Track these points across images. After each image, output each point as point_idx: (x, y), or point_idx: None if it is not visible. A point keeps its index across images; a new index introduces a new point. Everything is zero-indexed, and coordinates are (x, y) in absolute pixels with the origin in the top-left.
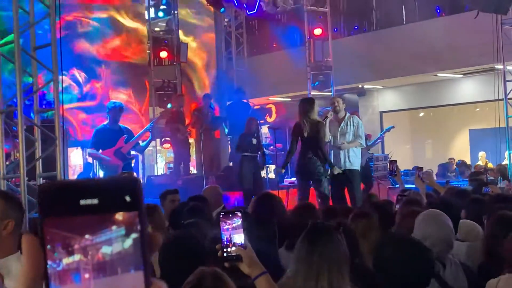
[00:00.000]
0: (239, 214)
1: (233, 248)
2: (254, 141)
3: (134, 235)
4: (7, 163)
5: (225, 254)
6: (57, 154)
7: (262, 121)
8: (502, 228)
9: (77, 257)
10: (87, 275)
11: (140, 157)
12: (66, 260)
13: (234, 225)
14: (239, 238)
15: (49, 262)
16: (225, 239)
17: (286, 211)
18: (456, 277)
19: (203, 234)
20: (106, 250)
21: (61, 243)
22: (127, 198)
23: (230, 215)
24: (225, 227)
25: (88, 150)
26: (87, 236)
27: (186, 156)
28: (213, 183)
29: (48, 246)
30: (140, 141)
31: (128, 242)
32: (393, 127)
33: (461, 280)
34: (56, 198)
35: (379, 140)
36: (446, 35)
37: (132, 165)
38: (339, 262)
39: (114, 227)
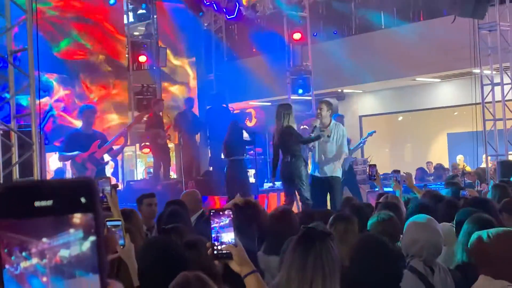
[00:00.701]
0: (230, 212)
1: (224, 246)
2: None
3: (92, 238)
4: None
5: (215, 252)
6: (34, 159)
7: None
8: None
9: (34, 260)
10: (44, 279)
11: (120, 162)
12: (24, 264)
13: (223, 223)
14: (229, 236)
15: (6, 266)
16: (215, 237)
17: (266, 215)
18: (445, 282)
19: (183, 238)
20: (63, 253)
21: (18, 247)
22: (82, 200)
23: (220, 213)
24: (214, 225)
25: (59, 154)
26: (44, 239)
27: (166, 161)
28: (192, 188)
29: (5, 250)
30: (113, 147)
31: (86, 245)
32: (375, 131)
33: (449, 286)
34: (9, 200)
35: (361, 145)
36: (424, 39)
37: (112, 170)
38: (332, 268)
39: (71, 230)
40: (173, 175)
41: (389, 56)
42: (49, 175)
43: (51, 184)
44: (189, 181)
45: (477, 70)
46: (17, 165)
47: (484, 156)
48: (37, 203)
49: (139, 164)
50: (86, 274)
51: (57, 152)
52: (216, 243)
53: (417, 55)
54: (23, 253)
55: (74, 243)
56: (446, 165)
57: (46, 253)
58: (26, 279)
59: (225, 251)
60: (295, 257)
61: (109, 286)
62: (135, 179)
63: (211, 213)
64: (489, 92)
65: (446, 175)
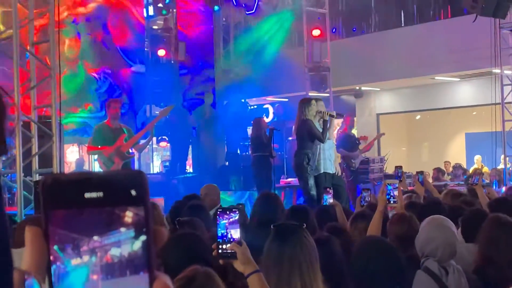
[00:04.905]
0: (236, 210)
1: (229, 245)
2: (265, 140)
3: (143, 237)
4: (4, 158)
5: (220, 251)
6: (54, 150)
7: None
8: (499, 231)
9: (85, 258)
10: (95, 277)
11: (136, 155)
12: (74, 261)
13: (231, 220)
14: (235, 233)
15: (57, 263)
16: (220, 235)
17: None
18: (459, 284)
19: (201, 232)
20: (115, 252)
21: (70, 244)
22: (133, 192)
23: (227, 212)
24: (221, 223)
25: (87, 147)
26: (95, 237)
27: (183, 155)
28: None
29: (56, 247)
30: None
31: (137, 244)
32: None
33: (464, 287)
34: (60, 191)
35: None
36: (444, 38)
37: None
38: (309, 261)
39: (123, 229)
40: (188, 169)
41: (408, 54)
42: (67, 166)
43: (101, 176)
44: (205, 175)
45: (497, 70)
46: (36, 156)
47: (502, 156)
48: (87, 195)
49: (155, 158)
50: (138, 273)
51: (75, 144)
52: (220, 241)
53: (436, 53)
54: (74, 251)
55: (125, 241)
56: (464, 165)
57: (97, 251)
58: (76, 277)
59: (230, 251)
60: (270, 255)
61: (157, 278)
62: (151, 172)
63: (218, 212)
64: (509, 92)
65: (463, 175)
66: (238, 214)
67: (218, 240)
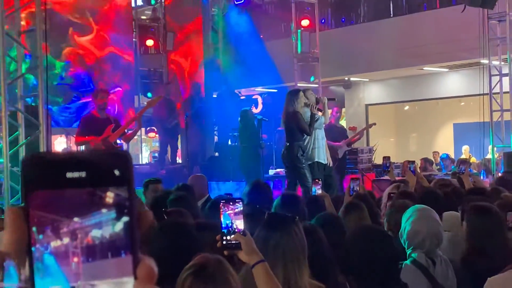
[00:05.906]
0: (240, 201)
1: (233, 236)
2: (253, 131)
3: (125, 219)
4: None
5: (224, 242)
6: (41, 140)
7: None
8: (481, 220)
9: (65, 240)
10: (75, 259)
11: (125, 145)
12: (54, 243)
13: (236, 210)
14: (240, 224)
15: (36, 245)
16: (225, 225)
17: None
18: (446, 274)
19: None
20: (96, 233)
21: (49, 226)
22: (116, 172)
23: (231, 202)
24: (225, 214)
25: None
26: (76, 219)
27: (173, 145)
28: (197, 173)
29: (34, 229)
30: (126, 130)
31: (119, 226)
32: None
33: (450, 278)
34: (41, 171)
35: None
36: (433, 29)
37: None
38: (294, 254)
39: (104, 210)
40: (178, 160)
41: (397, 45)
42: None
43: (85, 155)
44: (194, 166)
45: (485, 61)
46: (23, 146)
47: (490, 147)
48: (69, 174)
49: (144, 148)
50: (120, 255)
51: (62, 135)
52: (225, 232)
53: (425, 44)
54: (54, 232)
55: (107, 223)
56: (452, 155)
57: (78, 233)
58: (57, 258)
59: (234, 241)
60: (257, 243)
61: (141, 261)
62: (140, 163)
63: (222, 203)
64: (497, 82)
65: (451, 166)
66: (242, 205)
67: (223, 230)
